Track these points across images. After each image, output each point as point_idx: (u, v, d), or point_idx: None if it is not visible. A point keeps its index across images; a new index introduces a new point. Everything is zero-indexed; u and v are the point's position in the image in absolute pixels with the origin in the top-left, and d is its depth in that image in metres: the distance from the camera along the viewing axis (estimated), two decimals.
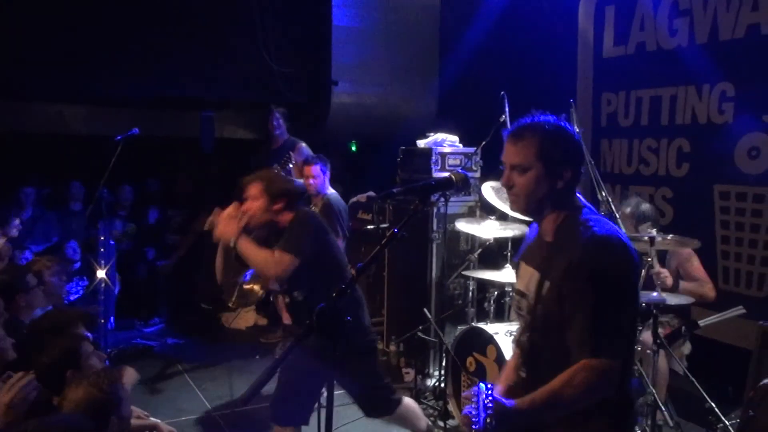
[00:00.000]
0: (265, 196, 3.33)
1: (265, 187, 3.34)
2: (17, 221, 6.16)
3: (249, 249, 3.30)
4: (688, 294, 4.09)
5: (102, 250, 5.38)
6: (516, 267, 2.30)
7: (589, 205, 2.10)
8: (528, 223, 4.77)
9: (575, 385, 1.87)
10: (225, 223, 3.33)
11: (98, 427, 2.58)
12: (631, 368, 2.07)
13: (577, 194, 2.11)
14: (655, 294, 3.66)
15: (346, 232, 5.46)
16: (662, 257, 4.29)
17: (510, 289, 4.87)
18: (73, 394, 2.60)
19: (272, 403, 3.51)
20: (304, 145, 6.15)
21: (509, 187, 2.07)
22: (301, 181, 5.43)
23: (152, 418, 3.34)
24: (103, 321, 5.37)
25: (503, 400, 1.88)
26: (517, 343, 2.20)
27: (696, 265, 4.30)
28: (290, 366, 3.31)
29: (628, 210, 4.34)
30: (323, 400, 1.89)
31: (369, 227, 6.07)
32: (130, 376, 3.23)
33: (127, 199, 7.52)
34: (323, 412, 1.89)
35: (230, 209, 3.35)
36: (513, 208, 2.14)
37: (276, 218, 3.37)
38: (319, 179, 5.39)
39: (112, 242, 6.65)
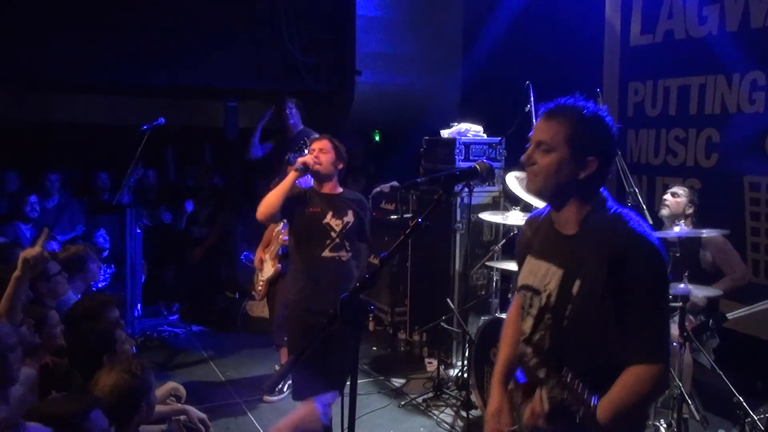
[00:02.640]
0: (334, 152, 3.77)
1: (334, 145, 3.79)
2: (34, 198, 6.25)
3: None
4: (727, 289, 4.00)
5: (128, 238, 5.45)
6: (520, 260, 2.16)
7: (611, 198, 2.00)
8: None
9: (638, 389, 1.81)
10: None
11: (130, 412, 2.63)
12: None
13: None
14: (681, 286, 3.61)
15: None
16: (695, 249, 4.23)
17: None
18: (106, 378, 2.65)
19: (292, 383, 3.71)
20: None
21: (530, 164, 1.95)
22: None
23: (182, 404, 3.40)
24: (129, 308, 5.45)
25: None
26: (529, 342, 2.05)
27: (731, 252, 4.24)
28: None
29: (683, 198, 4.28)
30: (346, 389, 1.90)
31: (392, 217, 6.07)
32: (176, 389, 3.33)
33: (151, 184, 7.60)
34: (346, 400, 1.90)
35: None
36: (529, 188, 2.00)
37: (332, 177, 3.80)
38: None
39: (138, 230, 6.73)
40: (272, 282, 5.18)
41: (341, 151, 3.83)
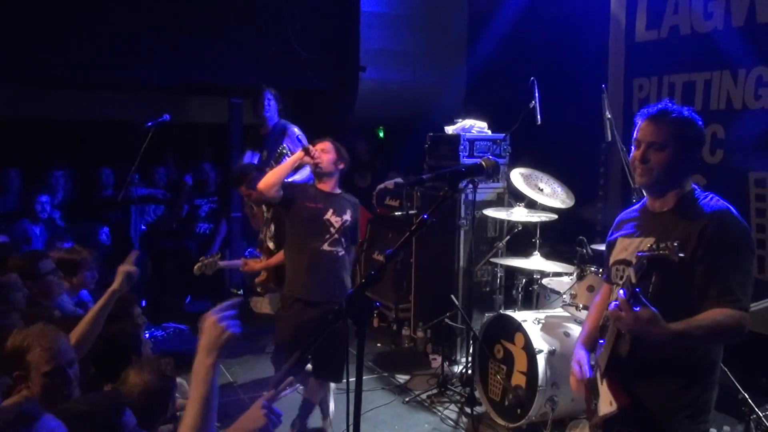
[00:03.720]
0: (335, 153, 3.98)
1: (336, 147, 4.00)
2: (45, 198, 6.25)
3: None
4: None
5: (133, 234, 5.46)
6: (611, 246, 2.50)
7: (697, 186, 2.36)
8: (557, 211, 4.74)
9: (718, 320, 2.10)
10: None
11: (157, 412, 2.62)
12: None
13: None
14: None
15: None
16: None
17: (538, 277, 4.85)
18: (135, 378, 2.64)
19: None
20: (296, 129, 5.63)
21: (644, 161, 2.29)
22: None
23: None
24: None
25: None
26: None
27: None
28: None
29: None
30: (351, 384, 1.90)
31: (397, 213, 6.08)
32: (180, 385, 3.34)
33: (162, 180, 7.61)
34: (351, 397, 1.90)
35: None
36: (640, 181, 2.35)
37: (333, 176, 4.01)
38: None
39: (143, 227, 6.76)
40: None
41: (342, 153, 4.03)
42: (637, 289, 2.08)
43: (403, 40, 7.13)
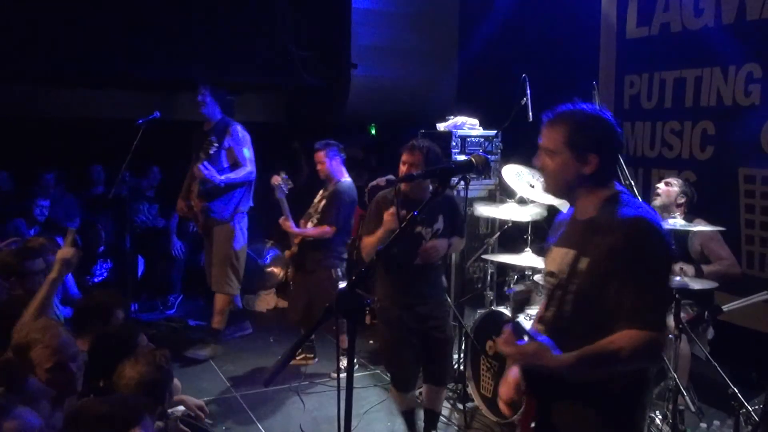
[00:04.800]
0: (423, 164, 3.64)
1: (423, 154, 3.68)
2: (46, 202, 6.21)
3: None
4: (713, 277, 4.05)
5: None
6: (546, 253, 2.35)
7: (625, 190, 2.17)
8: (548, 207, 4.75)
9: (620, 346, 1.94)
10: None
11: (155, 403, 2.61)
12: None
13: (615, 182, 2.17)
14: (677, 279, 3.63)
15: (340, 223, 5.13)
16: (684, 236, 4.27)
17: (530, 273, 4.86)
18: (131, 371, 2.63)
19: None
20: (239, 128, 5.51)
21: (542, 169, 2.19)
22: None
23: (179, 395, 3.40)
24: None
25: (555, 348, 1.98)
26: (541, 319, 2.23)
27: (720, 243, 4.28)
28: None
29: (675, 188, 4.32)
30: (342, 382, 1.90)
31: None
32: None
33: (156, 179, 7.57)
34: (343, 394, 1.90)
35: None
36: (544, 189, 2.25)
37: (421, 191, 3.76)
38: (325, 164, 5.13)
39: (137, 223, 6.72)
40: (298, 275, 5.29)
41: (428, 156, 3.70)
42: (517, 320, 2.00)
43: (394, 37, 7.13)
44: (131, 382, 2.59)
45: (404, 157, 3.74)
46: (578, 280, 2.07)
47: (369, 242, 3.75)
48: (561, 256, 2.16)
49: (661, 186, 4.39)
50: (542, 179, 2.24)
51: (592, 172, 2.09)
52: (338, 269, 5.24)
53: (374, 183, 6.41)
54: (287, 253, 5.50)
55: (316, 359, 5.53)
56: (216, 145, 5.37)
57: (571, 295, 2.09)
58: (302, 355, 5.54)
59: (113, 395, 2.53)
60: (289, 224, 5.15)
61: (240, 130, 5.51)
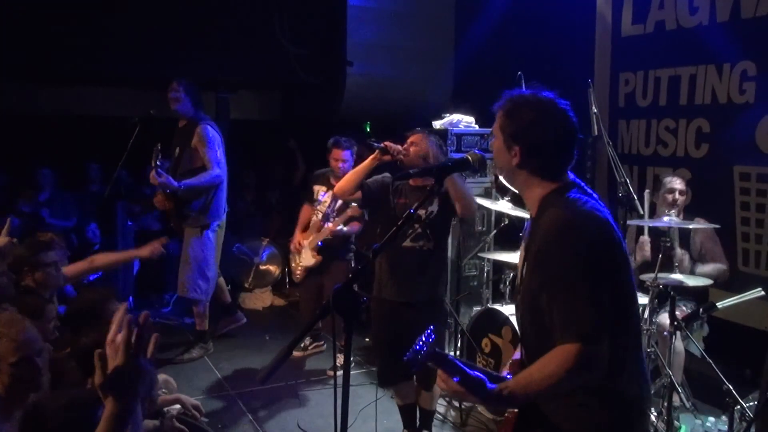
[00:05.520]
0: (425, 146, 3.72)
1: (428, 139, 3.77)
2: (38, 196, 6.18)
3: None
4: (706, 276, 4.08)
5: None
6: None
7: (582, 183, 1.98)
8: None
9: (550, 368, 1.77)
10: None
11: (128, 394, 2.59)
12: (633, 356, 1.91)
13: (570, 174, 1.98)
14: (672, 276, 3.64)
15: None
16: (686, 234, 4.31)
17: None
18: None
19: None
20: (209, 126, 5.28)
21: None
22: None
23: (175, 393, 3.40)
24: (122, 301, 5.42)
25: (489, 383, 1.83)
26: (518, 323, 2.14)
27: (718, 244, 4.33)
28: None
29: (679, 185, 4.35)
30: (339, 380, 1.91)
31: None
32: (167, 382, 3.31)
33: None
34: (339, 392, 1.90)
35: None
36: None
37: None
38: (348, 163, 5.13)
39: (130, 222, 6.71)
40: (311, 271, 5.33)
41: (435, 145, 3.79)
42: (449, 356, 1.86)
43: (390, 34, 7.12)
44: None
45: (411, 138, 3.77)
46: (523, 287, 1.96)
47: (348, 177, 3.79)
48: (522, 257, 2.04)
49: (678, 197, 4.41)
50: None
51: (518, 163, 1.94)
52: (351, 261, 5.42)
53: (371, 180, 6.40)
54: (297, 278, 5.50)
55: (324, 345, 5.59)
56: (159, 153, 4.95)
57: (522, 302, 1.98)
58: (313, 345, 5.62)
59: (62, 392, 2.52)
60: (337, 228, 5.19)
61: (210, 130, 5.24)
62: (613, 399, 1.88)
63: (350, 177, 3.80)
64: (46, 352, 2.58)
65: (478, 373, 1.84)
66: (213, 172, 5.21)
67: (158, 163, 4.95)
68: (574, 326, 1.75)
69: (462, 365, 1.84)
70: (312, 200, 5.38)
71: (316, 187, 5.37)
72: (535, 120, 1.92)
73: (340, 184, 3.82)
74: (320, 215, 5.29)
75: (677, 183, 4.46)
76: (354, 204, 4.93)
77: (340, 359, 5.27)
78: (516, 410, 2.08)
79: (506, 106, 1.98)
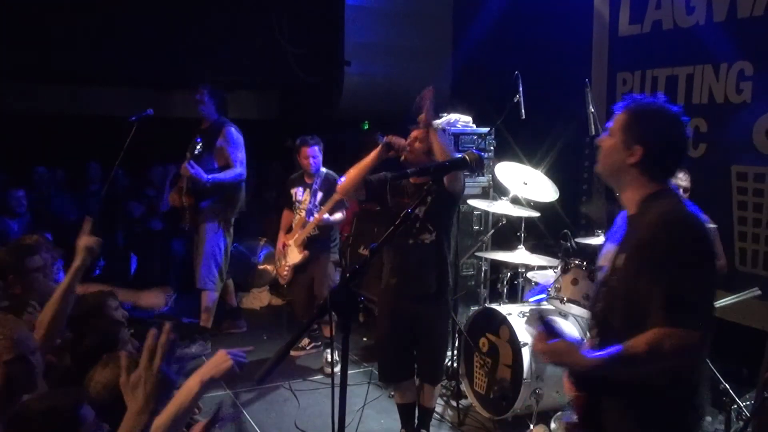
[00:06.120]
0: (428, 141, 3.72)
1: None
2: (21, 192, 6.15)
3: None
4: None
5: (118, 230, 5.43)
6: (602, 248, 2.38)
7: (676, 189, 2.20)
8: (541, 205, 4.77)
9: (651, 347, 1.91)
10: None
11: (123, 409, 2.59)
12: (707, 348, 2.04)
13: (669, 183, 2.17)
14: None
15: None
16: None
17: (523, 270, 4.88)
18: (99, 375, 2.61)
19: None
20: (233, 128, 5.55)
21: (598, 148, 2.22)
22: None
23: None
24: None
25: (585, 351, 2.01)
26: (592, 312, 2.31)
27: (719, 242, 4.35)
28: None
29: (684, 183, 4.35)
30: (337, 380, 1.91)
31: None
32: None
33: (156, 176, 7.55)
34: (336, 391, 1.90)
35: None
36: (596, 168, 2.26)
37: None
38: (318, 158, 5.35)
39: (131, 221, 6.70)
40: (298, 268, 5.41)
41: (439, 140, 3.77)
42: (548, 319, 2.02)
43: (388, 34, 7.12)
44: (98, 386, 2.56)
45: (414, 134, 3.79)
46: (616, 277, 2.10)
47: (350, 175, 3.74)
48: (608, 252, 2.21)
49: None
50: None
51: (635, 162, 2.10)
52: (335, 255, 5.52)
53: (368, 179, 6.40)
54: (282, 279, 5.58)
55: (322, 345, 5.64)
56: (200, 147, 5.40)
57: (611, 291, 2.12)
58: (311, 345, 5.66)
59: (49, 392, 2.51)
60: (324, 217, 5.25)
61: (234, 132, 5.53)
62: (685, 393, 2.05)
63: (352, 174, 3.73)
64: (39, 354, 2.57)
65: (575, 338, 2.04)
66: (237, 170, 5.50)
67: (195, 153, 5.34)
68: (678, 313, 1.90)
69: (561, 331, 2.04)
70: (291, 204, 5.51)
71: (293, 190, 5.48)
72: (662, 125, 2.13)
73: (343, 184, 3.78)
74: (303, 213, 5.37)
75: (682, 178, 4.43)
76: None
77: (327, 356, 5.30)
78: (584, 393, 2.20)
79: (633, 108, 2.16)
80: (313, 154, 5.31)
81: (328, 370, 5.21)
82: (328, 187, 5.31)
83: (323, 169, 5.43)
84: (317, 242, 5.37)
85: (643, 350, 1.91)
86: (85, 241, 3.03)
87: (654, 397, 2.02)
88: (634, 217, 2.14)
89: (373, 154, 3.71)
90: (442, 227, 3.76)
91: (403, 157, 3.72)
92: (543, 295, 4.29)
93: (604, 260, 2.23)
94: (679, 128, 2.14)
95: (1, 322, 2.51)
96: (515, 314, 4.36)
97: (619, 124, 2.15)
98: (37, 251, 3.61)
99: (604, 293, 2.17)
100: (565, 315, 4.47)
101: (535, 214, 4.75)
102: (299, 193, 5.45)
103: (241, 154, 5.53)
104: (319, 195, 5.34)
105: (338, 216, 5.39)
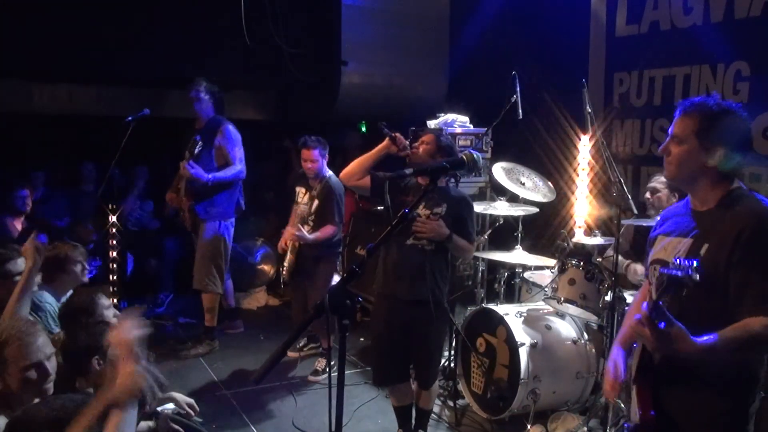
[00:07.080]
0: (435, 146, 3.70)
1: (438, 141, 3.74)
2: (25, 192, 6.13)
3: None
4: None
5: (113, 230, 5.40)
6: (651, 243, 2.42)
7: (745, 186, 2.24)
8: (538, 205, 4.77)
9: (754, 333, 1.98)
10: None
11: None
12: None
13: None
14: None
15: (341, 219, 5.17)
16: None
17: (520, 270, 4.88)
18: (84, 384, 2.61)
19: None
20: (231, 126, 5.50)
21: (666, 154, 2.24)
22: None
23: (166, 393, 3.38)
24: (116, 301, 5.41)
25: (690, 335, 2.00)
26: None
27: None
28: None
29: (663, 191, 4.32)
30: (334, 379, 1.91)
31: (379, 208, 6.07)
32: None
33: (144, 178, 7.54)
34: (333, 391, 1.90)
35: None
36: (665, 175, 2.31)
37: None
38: (318, 163, 5.01)
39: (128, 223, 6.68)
40: (298, 270, 5.14)
41: (445, 148, 3.74)
42: (660, 302, 1.96)
43: (385, 34, 7.11)
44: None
45: (424, 138, 3.78)
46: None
47: (354, 162, 3.77)
48: (674, 245, 2.25)
49: (648, 197, 4.37)
50: (664, 165, 2.27)
51: (715, 164, 2.15)
52: (336, 263, 5.34)
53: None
54: (288, 260, 5.33)
55: (320, 346, 5.58)
56: (200, 144, 5.36)
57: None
58: (308, 345, 5.62)
59: (53, 399, 2.50)
60: (297, 233, 4.96)
61: (232, 129, 5.49)
62: (750, 385, 2.17)
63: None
64: (54, 360, 2.59)
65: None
66: (237, 168, 5.48)
67: (195, 152, 5.30)
68: None
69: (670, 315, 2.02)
70: (296, 200, 5.34)
71: (298, 188, 5.28)
72: (737, 125, 2.18)
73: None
74: (298, 218, 5.13)
75: (655, 182, 4.42)
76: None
77: (321, 363, 5.23)
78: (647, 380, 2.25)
79: (704, 111, 2.17)
80: (311, 158, 5.00)
81: (317, 377, 5.16)
82: (325, 195, 5.04)
83: (328, 174, 5.12)
84: (317, 246, 5.13)
85: (757, 335, 1.98)
86: (29, 243, 3.17)
87: (723, 383, 2.12)
88: (711, 211, 2.19)
89: (379, 146, 3.74)
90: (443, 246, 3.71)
91: (407, 158, 3.73)
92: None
93: (662, 253, 2.28)
94: (748, 125, 2.23)
95: (21, 328, 2.53)
96: (512, 314, 4.36)
97: (691, 129, 2.17)
98: (19, 255, 3.70)
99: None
100: (562, 315, 4.47)
101: (533, 209, 4.76)
102: (300, 194, 5.24)
103: (240, 152, 5.50)
104: (316, 204, 5.07)
105: (321, 234, 5.00)
